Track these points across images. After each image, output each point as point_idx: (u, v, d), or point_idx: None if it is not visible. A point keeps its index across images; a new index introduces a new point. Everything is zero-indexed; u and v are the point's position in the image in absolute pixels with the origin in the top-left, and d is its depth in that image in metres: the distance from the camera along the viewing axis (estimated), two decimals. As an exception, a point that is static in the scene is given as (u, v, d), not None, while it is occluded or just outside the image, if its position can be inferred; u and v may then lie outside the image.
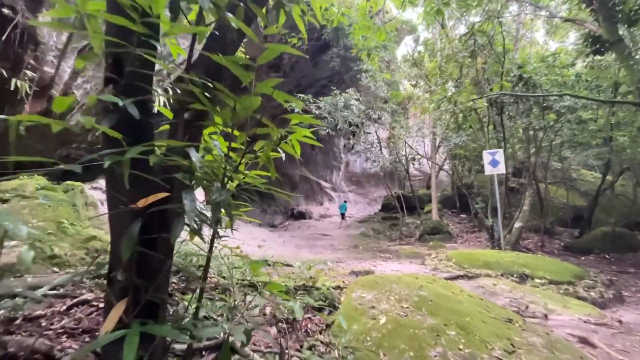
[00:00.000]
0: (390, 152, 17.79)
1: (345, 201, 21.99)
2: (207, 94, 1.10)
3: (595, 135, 10.50)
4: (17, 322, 2.02)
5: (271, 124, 1.13)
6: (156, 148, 1.16)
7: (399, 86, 16.51)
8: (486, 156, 8.69)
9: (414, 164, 17.43)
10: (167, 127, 1.27)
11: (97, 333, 1.95)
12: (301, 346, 2.55)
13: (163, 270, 1.01)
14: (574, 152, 13.37)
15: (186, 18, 1.40)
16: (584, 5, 7.25)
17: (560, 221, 13.71)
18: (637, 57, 7.11)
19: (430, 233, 13.06)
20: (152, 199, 0.88)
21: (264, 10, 1.43)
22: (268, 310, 3.33)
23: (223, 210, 1.10)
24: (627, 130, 10.04)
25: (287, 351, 2.29)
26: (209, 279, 3.72)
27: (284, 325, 2.72)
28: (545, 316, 4.27)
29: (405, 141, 15.95)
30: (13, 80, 5.12)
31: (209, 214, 1.05)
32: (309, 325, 3.08)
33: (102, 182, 7.84)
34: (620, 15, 6.79)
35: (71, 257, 3.76)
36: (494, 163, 8.53)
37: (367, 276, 4.65)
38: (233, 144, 1.22)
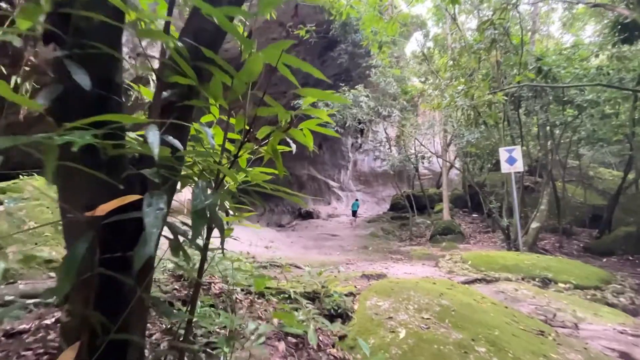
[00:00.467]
0: (399, 151, 17.44)
1: (357, 199, 21.71)
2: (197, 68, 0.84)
3: (617, 131, 10.00)
4: (-3, 338, 1.80)
5: (277, 104, 0.88)
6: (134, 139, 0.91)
7: (408, 83, 16.12)
8: (503, 153, 8.30)
9: (423, 163, 17.02)
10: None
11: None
12: (313, 364, 2.30)
13: (134, 300, 0.75)
14: (592, 148, 12.84)
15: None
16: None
17: (577, 221, 13.17)
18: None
19: (441, 233, 12.69)
20: (114, 204, 0.63)
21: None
22: (276, 321, 3.08)
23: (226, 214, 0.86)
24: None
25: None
26: (212, 284, 3.48)
27: (294, 340, 2.46)
28: (576, 326, 3.93)
29: (416, 139, 15.57)
30: (13, 78, 4.98)
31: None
32: (320, 337, 2.82)
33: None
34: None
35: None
36: (511, 160, 8.13)
37: (381, 281, 4.36)
38: (230, 135, 0.96)
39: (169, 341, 1.82)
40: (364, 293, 3.59)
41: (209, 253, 3.25)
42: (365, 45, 7.44)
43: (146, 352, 1.37)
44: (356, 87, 12.22)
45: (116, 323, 0.69)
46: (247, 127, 0.94)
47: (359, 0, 6.51)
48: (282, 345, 2.42)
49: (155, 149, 0.63)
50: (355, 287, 4.33)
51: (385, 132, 16.46)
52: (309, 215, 22.69)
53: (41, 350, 1.72)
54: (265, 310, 3.18)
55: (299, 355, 2.34)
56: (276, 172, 1.10)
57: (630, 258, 9.48)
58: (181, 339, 0.98)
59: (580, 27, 15.16)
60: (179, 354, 0.93)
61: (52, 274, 3.54)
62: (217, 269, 3.54)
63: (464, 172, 16.36)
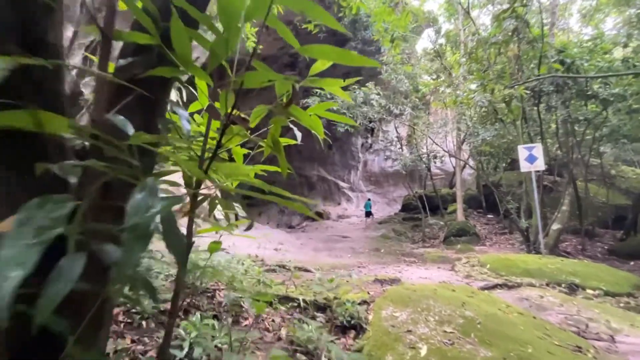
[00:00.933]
0: (411, 150, 17.07)
1: (369, 199, 21.40)
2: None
3: (644, 126, 9.46)
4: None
5: (271, 70, 0.65)
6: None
7: (419, 80, 15.75)
8: (522, 151, 7.89)
9: (435, 162, 16.60)
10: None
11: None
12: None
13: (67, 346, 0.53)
14: (615, 146, 12.22)
15: None
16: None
17: (600, 222, 12.56)
18: None
19: (456, 235, 12.26)
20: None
21: None
22: (284, 332, 2.86)
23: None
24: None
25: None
26: (217, 292, 3.28)
27: (304, 358, 2.23)
28: (612, 338, 3.59)
29: (429, 137, 15.17)
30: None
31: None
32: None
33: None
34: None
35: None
36: (531, 159, 7.72)
37: (396, 287, 4.10)
38: (215, 123, 0.74)
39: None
40: (378, 301, 3.33)
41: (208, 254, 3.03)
42: (377, 39, 7.16)
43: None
44: (366, 84, 11.93)
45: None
46: (230, 114, 0.69)
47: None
48: (290, 364, 2.20)
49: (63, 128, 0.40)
50: (369, 293, 4.08)
51: (397, 131, 16.11)
52: (319, 216, 22.49)
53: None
54: (273, 321, 2.96)
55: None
56: (278, 169, 0.87)
57: (661, 261, 8.93)
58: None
59: (601, 19, 14.52)
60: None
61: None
62: (223, 273, 3.35)
63: (478, 172, 15.87)
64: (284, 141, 0.91)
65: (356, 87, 11.65)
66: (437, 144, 15.26)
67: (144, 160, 0.63)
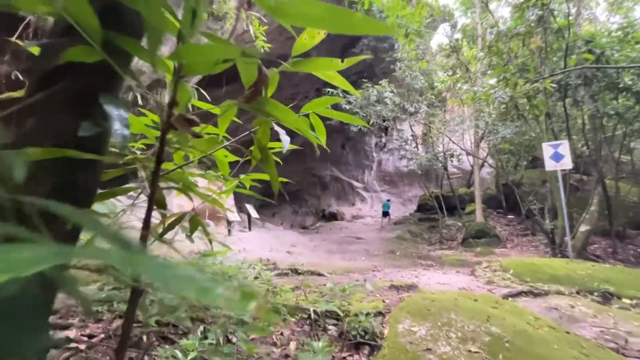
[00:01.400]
0: (426, 149, 16.64)
1: (388, 200, 21.02)
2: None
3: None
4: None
5: (222, 40, 0.46)
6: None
7: (434, 77, 15.29)
8: (547, 149, 7.44)
9: (452, 161, 16.09)
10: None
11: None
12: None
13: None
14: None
15: None
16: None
17: (631, 223, 11.80)
18: None
19: (475, 237, 11.79)
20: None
21: None
22: (293, 346, 2.68)
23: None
24: None
25: None
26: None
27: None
28: (657, 356, 3.24)
29: (446, 135, 14.71)
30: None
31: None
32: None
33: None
34: None
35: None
36: (557, 157, 7.27)
37: (413, 297, 3.86)
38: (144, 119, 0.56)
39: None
40: (394, 313, 3.11)
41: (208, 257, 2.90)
42: (390, 35, 6.91)
43: None
44: (380, 82, 11.63)
45: None
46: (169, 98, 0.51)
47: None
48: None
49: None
50: (384, 301, 3.86)
51: (412, 130, 15.70)
52: (333, 217, 22.29)
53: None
54: (282, 334, 2.79)
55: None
56: (264, 176, 0.69)
57: (702, 266, 8.26)
58: None
59: (630, 7, 13.68)
60: None
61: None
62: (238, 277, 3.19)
63: (498, 170, 15.28)
64: (274, 146, 0.72)
65: (369, 85, 11.36)
66: (454, 142, 14.79)
67: (79, 181, 0.46)
